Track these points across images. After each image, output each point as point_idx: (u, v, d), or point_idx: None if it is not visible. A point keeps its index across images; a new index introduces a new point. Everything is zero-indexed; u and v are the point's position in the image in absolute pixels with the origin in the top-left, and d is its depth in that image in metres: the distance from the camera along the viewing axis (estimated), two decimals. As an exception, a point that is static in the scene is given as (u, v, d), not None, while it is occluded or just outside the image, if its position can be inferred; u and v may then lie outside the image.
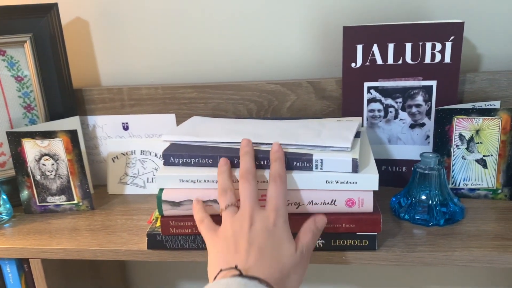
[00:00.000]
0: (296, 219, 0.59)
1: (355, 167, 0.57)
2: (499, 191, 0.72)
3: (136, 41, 0.87)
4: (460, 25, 0.69)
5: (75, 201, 0.77)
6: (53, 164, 0.75)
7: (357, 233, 0.60)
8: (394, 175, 0.79)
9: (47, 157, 0.75)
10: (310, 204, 0.59)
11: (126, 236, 0.68)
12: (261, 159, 0.60)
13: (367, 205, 0.58)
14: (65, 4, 0.85)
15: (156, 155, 0.83)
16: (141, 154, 0.84)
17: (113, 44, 0.88)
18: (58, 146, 0.74)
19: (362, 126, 0.77)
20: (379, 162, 0.78)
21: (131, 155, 0.84)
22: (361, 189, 0.58)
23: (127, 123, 0.86)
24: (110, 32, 0.87)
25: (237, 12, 0.83)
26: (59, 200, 0.77)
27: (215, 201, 0.60)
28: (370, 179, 0.57)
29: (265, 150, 0.61)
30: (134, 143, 0.84)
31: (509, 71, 0.75)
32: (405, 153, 0.78)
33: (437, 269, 0.92)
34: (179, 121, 0.84)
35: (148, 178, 0.84)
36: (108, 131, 0.86)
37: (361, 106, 0.77)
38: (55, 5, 0.79)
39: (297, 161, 0.59)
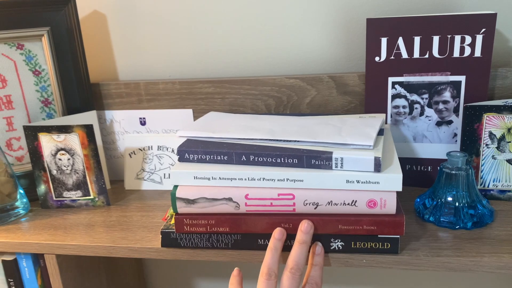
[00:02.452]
0: (315, 220, 0.57)
1: (378, 166, 0.54)
2: (532, 193, 0.68)
3: (154, 35, 0.86)
4: (492, 17, 0.65)
5: (91, 197, 0.77)
6: (69, 159, 0.75)
7: (379, 236, 0.57)
8: (419, 175, 0.75)
9: (63, 152, 0.74)
10: (329, 204, 0.56)
11: (140, 233, 0.67)
12: (278, 157, 0.57)
13: (390, 206, 0.55)
14: (83, -2, 0.85)
15: (173, 151, 0.82)
16: (158, 150, 0.82)
17: (130, 38, 0.87)
18: (74, 140, 0.73)
19: (386, 123, 0.74)
20: (403, 161, 0.75)
21: (148, 150, 0.83)
22: (384, 189, 0.55)
23: (144, 118, 0.84)
24: (128, 26, 0.86)
25: (257, 5, 0.80)
26: (75, 195, 0.77)
27: (230, 199, 0.58)
28: (393, 179, 0.54)
29: (281, 147, 0.58)
30: (151, 139, 0.83)
31: (545, 66, 0.70)
32: (431, 152, 0.74)
33: (463, 275, 0.88)
34: (196, 116, 0.83)
35: (164, 174, 0.83)
36: (126, 126, 0.85)
37: (385, 102, 0.73)
38: (72, -1, 0.78)
39: (315, 159, 0.56)
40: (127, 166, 0.84)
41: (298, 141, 0.60)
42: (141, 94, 0.83)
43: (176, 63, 0.86)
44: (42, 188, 0.76)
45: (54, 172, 0.76)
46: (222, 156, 0.60)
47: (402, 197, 0.70)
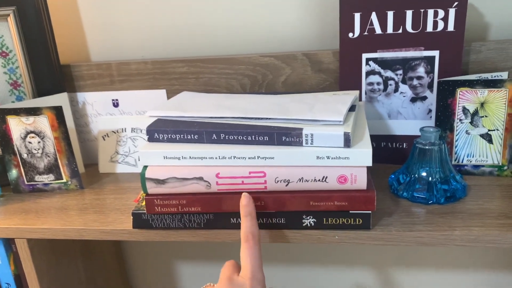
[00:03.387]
0: (286, 197, 0.57)
1: (347, 142, 0.54)
2: (505, 167, 0.68)
3: (126, 14, 0.83)
4: (465, -10, 0.65)
5: (64, 180, 0.75)
6: (39, 142, 0.73)
7: (350, 211, 0.57)
8: (395, 152, 0.75)
9: (33, 135, 0.73)
10: (300, 181, 0.56)
11: (113, 215, 0.66)
12: (249, 134, 0.56)
13: (361, 181, 0.55)
14: (51, -24, 0.82)
15: (147, 132, 0.80)
16: (132, 132, 0.81)
17: (101, 18, 0.84)
18: (43, 123, 0.72)
19: (360, 100, 0.73)
20: (379, 138, 0.75)
21: (122, 133, 0.81)
22: (354, 165, 0.54)
23: (117, 99, 0.83)
24: (99, 4, 0.83)
25: (229, -18, 0.79)
26: (47, 179, 0.75)
27: (201, 178, 0.57)
28: (363, 154, 0.54)
29: (252, 125, 0.58)
30: (124, 121, 0.81)
31: (518, 40, 0.70)
32: (406, 129, 0.74)
33: (435, 249, 0.89)
34: (170, 97, 0.81)
35: (139, 157, 0.81)
36: (98, 108, 0.84)
37: (359, 79, 0.73)
38: (39, -23, 0.76)
39: (286, 136, 0.55)
40: (101, 149, 0.82)
41: (269, 118, 0.59)
42: (113, 75, 0.81)
43: (149, 43, 0.84)
44: (13, 173, 0.75)
45: (25, 155, 0.74)
46: (192, 135, 0.59)
47: (377, 174, 0.70)
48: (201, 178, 0.57)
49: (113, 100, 0.83)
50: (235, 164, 0.57)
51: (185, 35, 0.83)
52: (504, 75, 0.68)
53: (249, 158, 0.56)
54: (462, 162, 0.70)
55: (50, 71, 0.80)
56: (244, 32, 0.81)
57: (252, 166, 0.56)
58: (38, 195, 0.75)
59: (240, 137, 0.57)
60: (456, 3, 0.65)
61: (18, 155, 0.74)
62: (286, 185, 0.56)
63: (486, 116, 0.67)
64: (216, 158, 0.57)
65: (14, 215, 0.69)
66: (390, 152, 0.75)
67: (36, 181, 0.75)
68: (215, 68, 0.78)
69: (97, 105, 0.83)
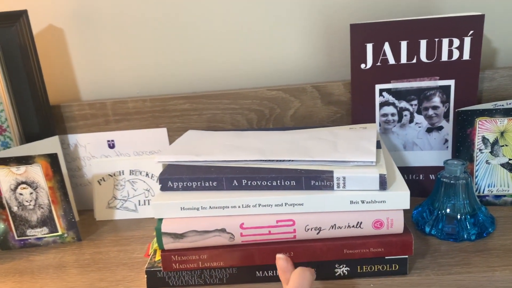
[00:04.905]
0: (318, 246, 0.52)
1: (383, 184, 0.50)
2: (528, 196, 0.66)
3: (119, 49, 0.78)
4: (480, 18, 0.63)
5: (59, 233, 0.68)
6: (31, 193, 0.66)
7: (386, 257, 0.53)
8: (412, 184, 0.72)
9: (24, 186, 0.66)
10: (332, 228, 0.52)
11: (120, 272, 0.60)
12: (274, 179, 0.52)
13: (397, 225, 0.51)
14: (36, 11, 0.76)
15: (147, 174, 0.75)
16: (130, 174, 0.75)
17: (92, 54, 0.79)
18: (36, 172, 0.65)
19: (375, 132, 0.71)
20: (395, 171, 0.72)
21: (119, 176, 0.75)
22: (391, 208, 0.51)
23: (113, 140, 0.77)
24: (89, 39, 0.78)
25: (233, 14, 0.75)
26: (41, 232, 0.68)
27: (223, 230, 0.52)
28: (400, 196, 0.50)
29: (276, 168, 0.53)
30: (122, 163, 0.75)
31: (530, 66, 0.69)
32: (422, 160, 0.71)
33: None
34: (171, 135, 0.76)
35: (139, 201, 0.75)
36: (92, 150, 0.77)
37: (373, 110, 0.70)
38: (24, 13, 0.70)
39: (315, 179, 0.51)
40: (96, 195, 0.76)
41: (292, 160, 0.55)
42: (108, 115, 0.76)
43: (146, 79, 0.79)
44: (1, 228, 0.67)
45: (15, 208, 0.67)
46: (210, 182, 0.54)
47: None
48: (223, 230, 0.52)
49: (108, 141, 0.77)
50: (260, 213, 0.52)
51: (185, 70, 0.78)
52: (519, 102, 0.67)
53: (275, 205, 0.52)
54: (483, 192, 0.68)
55: (39, 113, 0.73)
56: (249, 65, 0.77)
57: (279, 214, 0.52)
58: (30, 251, 0.68)
59: (264, 183, 0.53)
60: (471, 32, 0.64)
61: (7, 209, 0.66)
62: (317, 233, 0.52)
63: (506, 145, 0.65)
64: (239, 207, 0.52)
65: (7, 277, 0.61)
66: (408, 184, 0.72)
67: (28, 236, 0.68)
68: (219, 103, 0.74)
69: (90, 147, 0.77)
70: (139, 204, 0.75)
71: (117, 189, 0.76)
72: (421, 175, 0.72)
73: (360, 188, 0.51)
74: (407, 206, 0.50)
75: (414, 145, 0.71)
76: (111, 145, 0.77)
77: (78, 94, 0.81)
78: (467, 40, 0.64)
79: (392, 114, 0.70)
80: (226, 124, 0.75)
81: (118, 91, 0.80)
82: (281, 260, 0.47)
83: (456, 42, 0.65)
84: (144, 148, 0.77)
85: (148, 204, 0.75)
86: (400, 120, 0.70)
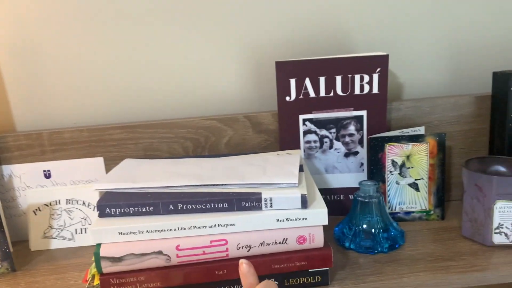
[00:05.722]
0: (249, 263, 0.57)
1: (304, 203, 0.57)
2: (432, 212, 0.76)
3: (55, 80, 0.80)
4: (385, 57, 0.73)
5: (-8, 265, 0.68)
6: (-38, 225, 0.66)
7: (310, 270, 0.59)
8: (333, 204, 0.80)
9: (-45, 218, 0.65)
10: (261, 245, 0.57)
11: (58, 299, 0.61)
12: (208, 202, 0.57)
13: (318, 240, 0.58)
14: (-31, 43, 0.77)
15: (84, 203, 0.76)
16: (67, 204, 0.76)
17: (28, 84, 0.80)
18: (-32, 204, 0.65)
19: (300, 158, 0.78)
20: (319, 192, 0.79)
21: (56, 205, 0.76)
22: (312, 224, 0.57)
23: (49, 170, 0.78)
24: (24, 70, 0.79)
25: (167, 47, 0.80)
26: (-28, 265, 0.67)
27: (160, 252, 0.55)
28: (319, 213, 0.57)
29: (210, 192, 0.58)
30: (58, 192, 0.76)
31: (430, 98, 0.80)
32: (342, 181, 0.79)
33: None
34: (108, 164, 0.78)
35: (76, 230, 0.76)
36: (27, 180, 0.78)
37: (298, 138, 0.77)
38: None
39: (246, 201, 0.57)
40: (31, 225, 0.76)
41: (226, 184, 0.60)
42: (45, 145, 0.77)
43: (82, 109, 0.82)
44: None
45: None
46: (147, 208, 0.57)
47: (322, 228, 0.74)
48: (160, 252, 0.56)
49: (44, 171, 0.78)
50: (195, 234, 0.56)
51: (121, 100, 0.82)
52: (422, 129, 0.77)
53: (209, 227, 0.56)
54: (395, 209, 0.76)
55: (-29, 144, 0.73)
56: (185, 96, 0.82)
57: (213, 235, 0.56)
58: (-40, 285, 0.66)
59: (199, 206, 0.57)
60: (379, 69, 0.74)
61: None
62: (248, 251, 0.57)
63: (412, 167, 0.75)
64: (175, 229, 0.56)
65: None
66: (329, 204, 0.78)
67: (-43, 269, 0.67)
68: (155, 133, 0.78)
69: (25, 177, 0.77)
70: (76, 233, 0.76)
71: (53, 218, 0.76)
72: (341, 196, 0.80)
73: (285, 207, 0.57)
74: (326, 222, 0.57)
75: (335, 169, 0.79)
76: (47, 175, 0.78)
77: (13, 125, 0.81)
78: (375, 76, 0.74)
79: (315, 141, 0.78)
80: (162, 153, 0.79)
81: (55, 122, 0.82)
82: (244, 265, 0.47)
83: (366, 77, 0.74)
84: (81, 177, 0.79)
85: (85, 232, 0.76)
86: (321, 146, 0.78)
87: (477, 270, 0.61)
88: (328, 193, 0.80)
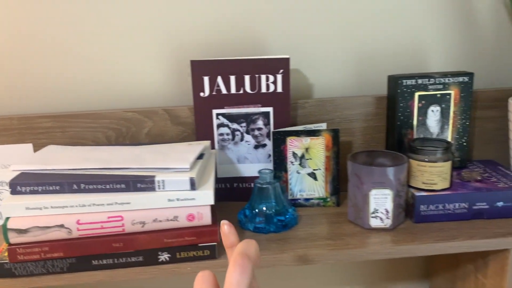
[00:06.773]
0: (143, 237, 0.65)
1: (193, 185, 0.64)
2: (328, 199, 0.85)
3: (-10, 72, 0.87)
4: (287, 60, 0.82)
5: None
6: None
7: (199, 244, 0.67)
8: (245, 191, 0.88)
9: None
10: (154, 221, 0.65)
11: (-27, 268, 0.68)
12: (107, 183, 0.64)
13: (206, 218, 0.66)
14: None
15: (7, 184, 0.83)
16: (-4, 185, 0.83)
17: (-37, 75, 0.86)
18: None
19: (213, 148, 0.86)
20: (231, 180, 0.87)
21: (-15, 187, 0.83)
22: (199, 204, 0.65)
23: (-20, 154, 0.84)
24: (-40, 63, 0.86)
25: (94, 41, 0.87)
26: None
27: (62, 226, 0.63)
28: (206, 195, 0.65)
29: (111, 175, 0.66)
30: (-12, 175, 0.83)
31: (332, 98, 0.89)
32: (252, 171, 0.87)
33: (272, 270, 1.03)
34: (37, 150, 0.85)
35: (1, 210, 0.83)
36: (-41, 163, 0.84)
37: (212, 130, 0.85)
38: None
39: (140, 183, 0.64)
40: (-38, 204, 0.82)
41: (126, 168, 0.67)
42: (-24, 131, 0.83)
43: (13, 99, 0.88)
44: None
45: None
46: (54, 186, 0.65)
47: (230, 211, 0.82)
48: (62, 226, 0.63)
49: (-25, 155, 0.84)
50: (94, 211, 0.64)
51: (50, 91, 0.88)
52: (324, 125, 0.86)
53: (107, 204, 0.64)
54: (296, 196, 0.85)
55: None
56: (109, 89, 0.89)
57: (110, 212, 0.64)
58: None
59: (100, 186, 0.65)
60: (281, 70, 0.82)
61: None
62: (142, 226, 0.65)
63: (311, 159, 0.83)
64: (76, 206, 0.63)
65: None
66: (241, 191, 0.88)
67: None
68: (81, 122, 0.85)
69: (-43, 160, 0.84)
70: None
71: (-17, 199, 0.83)
72: (251, 183, 0.88)
73: (176, 188, 0.65)
74: (212, 202, 0.65)
75: (246, 159, 0.87)
76: (-22, 159, 0.84)
77: None
78: (279, 77, 0.83)
79: (227, 134, 0.86)
80: (87, 141, 0.86)
81: (-12, 110, 0.88)
82: (225, 226, 0.48)
83: (271, 78, 0.83)
84: (10, 162, 0.85)
85: (12, 212, 0.83)
86: (233, 138, 0.86)
87: (348, 248, 0.70)
88: (240, 181, 0.88)
